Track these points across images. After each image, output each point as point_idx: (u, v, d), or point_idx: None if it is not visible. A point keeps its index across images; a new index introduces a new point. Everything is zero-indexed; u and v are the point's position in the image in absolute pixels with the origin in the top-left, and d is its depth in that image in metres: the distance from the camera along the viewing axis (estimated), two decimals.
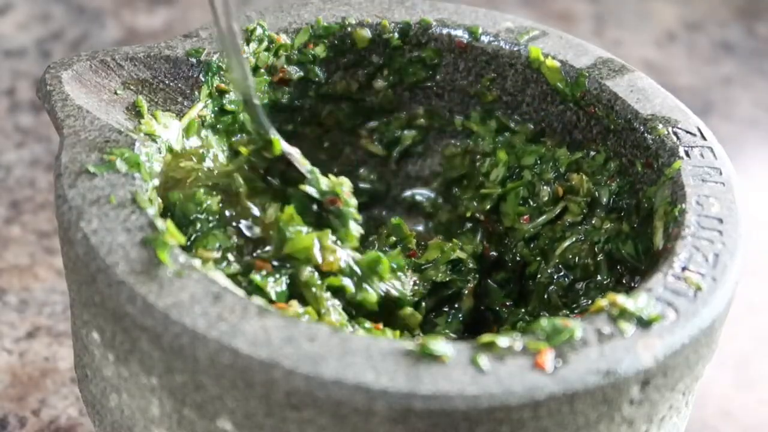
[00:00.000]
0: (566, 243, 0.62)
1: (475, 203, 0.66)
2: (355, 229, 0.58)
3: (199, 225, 0.55)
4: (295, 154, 0.59)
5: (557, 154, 0.63)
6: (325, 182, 0.58)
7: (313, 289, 0.56)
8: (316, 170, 0.59)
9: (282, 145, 0.59)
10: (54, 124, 0.56)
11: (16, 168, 0.84)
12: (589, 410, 0.48)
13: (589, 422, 0.48)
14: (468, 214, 0.66)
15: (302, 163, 0.59)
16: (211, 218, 0.56)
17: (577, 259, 0.62)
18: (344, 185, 0.59)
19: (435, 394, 0.46)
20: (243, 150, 0.59)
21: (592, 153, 0.63)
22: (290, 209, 0.57)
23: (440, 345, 0.47)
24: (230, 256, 0.55)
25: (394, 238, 0.64)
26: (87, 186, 0.52)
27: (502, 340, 0.48)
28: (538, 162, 0.64)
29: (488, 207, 0.65)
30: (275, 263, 0.56)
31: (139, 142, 0.55)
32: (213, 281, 0.49)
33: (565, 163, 0.63)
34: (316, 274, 0.56)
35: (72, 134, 0.55)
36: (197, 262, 0.51)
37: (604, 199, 0.62)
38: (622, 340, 0.49)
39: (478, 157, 0.66)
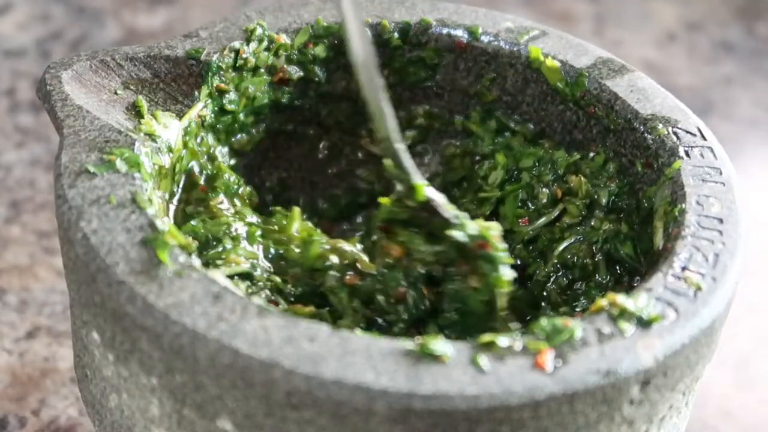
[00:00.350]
0: (564, 244, 0.62)
1: (474, 206, 0.66)
2: (507, 274, 0.56)
3: (227, 243, 0.56)
4: (439, 199, 0.56)
5: (555, 156, 0.63)
6: (473, 227, 0.56)
7: (341, 295, 0.57)
8: (463, 215, 0.56)
9: (426, 192, 0.56)
10: (54, 124, 0.56)
11: (16, 168, 0.84)
12: (589, 410, 0.48)
13: (589, 422, 0.48)
14: None
15: (448, 209, 0.56)
16: (236, 237, 0.57)
17: (575, 259, 0.62)
18: (493, 229, 0.56)
19: (435, 394, 0.46)
20: (384, 201, 0.57)
21: (591, 154, 0.63)
22: (308, 228, 0.58)
23: (440, 345, 0.47)
24: (258, 270, 0.56)
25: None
26: (87, 186, 0.52)
27: (502, 340, 0.48)
28: (537, 164, 0.64)
29: (488, 211, 0.65)
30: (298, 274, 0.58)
31: (139, 142, 0.55)
32: (213, 281, 0.49)
33: (563, 165, 0.63)
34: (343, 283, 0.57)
35: (72, 134, 0.55)
36: (216, 271, 0.52)
37: (603, 201, 0.62)
38: (622, 340, 0.49)
39: (478, 158, 0.66)
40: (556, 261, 0.62)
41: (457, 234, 0.56)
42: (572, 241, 0.62)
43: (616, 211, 0.61)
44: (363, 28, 0.53)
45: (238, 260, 0.55)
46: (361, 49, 0.53)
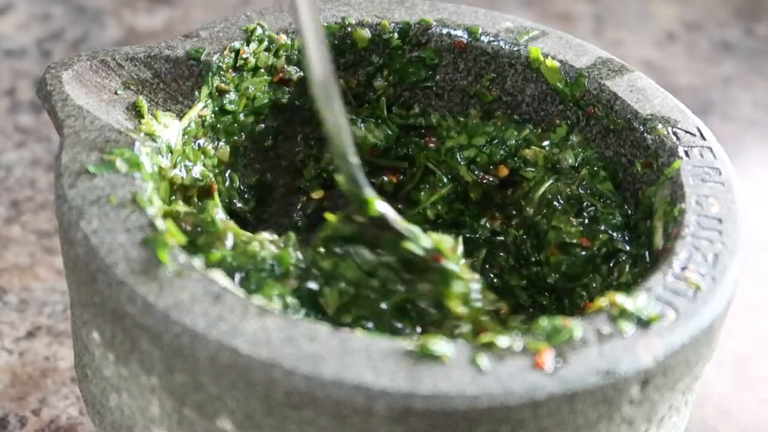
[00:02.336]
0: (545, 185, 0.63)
1: None
2: (458, 288, 0.55)
3: (254, 277, 0.53)
4: (391, 213, 0.55)
5: (506, 135, 0.64)
6: (426, 240, 0.55)
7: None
8: (415, 228, 0.55)
9: (377, 206, 0.55)
10: (54, 124, 0.57)
11: (16, 168, 0.84)
12: (589, 410, 0.48)
13: (589, 422, 0.49)
14: None
15: (400, 223, 0.55)
16: (265, 268, 0.54)
17: (558, 197, 0.62)
18: (446, 242, 0.55)
19: (435, 394, 0.46)
20: (330, 217, 0.56)
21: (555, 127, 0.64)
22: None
23: (440, 345, 0.47)
24: (289, 300, 0.53)
25: None
26: (87, 186, 0.53)
27: (502, 340, 0.48)
28: (488, 142, 0.64)
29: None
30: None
31: (139, 142, 0.55)
32: (213, 281, 0.49)
33: (514, 144, 0.64)
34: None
35: (72, 134, 0.55)
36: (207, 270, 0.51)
37: (570, 160, 0.62)
38: (621, 340, 0.49)
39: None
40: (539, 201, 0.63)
41: (412, 246, 0.55)
42: (551, 182, 0.62)
43: (587, 164, 0.62)
44: (321, 34, 0.50)
45: (271, 293, 0.53)
46: (318, 61, 0.51)
